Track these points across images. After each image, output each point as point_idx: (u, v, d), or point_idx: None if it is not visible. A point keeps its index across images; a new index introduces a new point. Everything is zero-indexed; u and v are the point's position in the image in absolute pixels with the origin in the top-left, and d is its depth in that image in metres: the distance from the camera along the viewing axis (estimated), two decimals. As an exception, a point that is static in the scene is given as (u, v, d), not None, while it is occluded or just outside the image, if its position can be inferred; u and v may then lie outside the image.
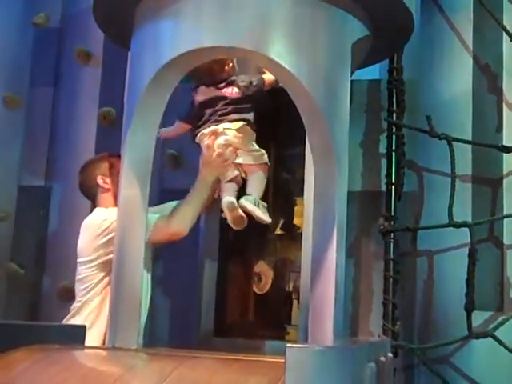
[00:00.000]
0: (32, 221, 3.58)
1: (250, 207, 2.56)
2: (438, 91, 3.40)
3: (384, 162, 3.28)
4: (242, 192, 2.72)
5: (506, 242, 3.21)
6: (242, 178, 2.75)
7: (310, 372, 1.27)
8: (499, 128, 3.32)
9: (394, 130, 3.22)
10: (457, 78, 3.39)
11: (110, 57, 3.79)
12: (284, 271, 3.01)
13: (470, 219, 3.06)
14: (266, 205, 2.63)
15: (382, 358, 1.79)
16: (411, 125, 3.21)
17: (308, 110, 2.30)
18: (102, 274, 2.76)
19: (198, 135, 2.79)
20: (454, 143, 3.01)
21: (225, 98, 2.77)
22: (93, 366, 1.92)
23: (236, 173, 2.73)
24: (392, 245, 3.13)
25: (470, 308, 2.82)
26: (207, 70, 2.79)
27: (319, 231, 2.29)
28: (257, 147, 2.77)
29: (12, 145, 3.96)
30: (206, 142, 2.74)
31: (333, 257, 2.23)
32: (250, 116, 2.78)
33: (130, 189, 2.40)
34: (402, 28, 2.72)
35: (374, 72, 3.56)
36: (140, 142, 2.43)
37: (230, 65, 2.89)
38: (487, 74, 3.39)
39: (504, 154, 3.19)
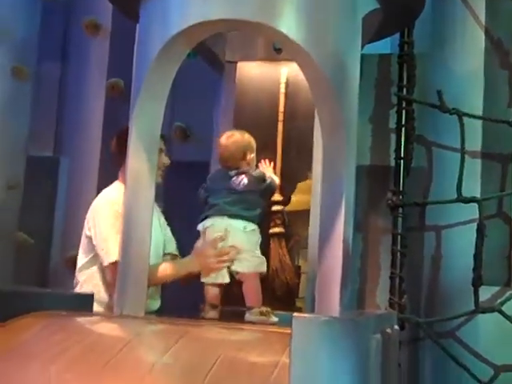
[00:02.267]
0: (40, 191, 3.60)
1: (257, 320, 2.53)
2: (449, 66, 3.37)
3: (393, 136, 3.27)
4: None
5: (514, 217, 3.21)
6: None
7: (315, 342, 1.28)
8: (510, 103, 3.30)
9: (403, 104, 3.20)
10: (468, 53, 3.36)
11: (119, 28, 3.77)
12: (294, 247, 3.01)
13: (478, 195, 3.05)
14: (269, 309, 2.59)
15: (388, 330, 1.80)
16: (421, 99, 3.19)
17: (317, 84, 2.28)
18: None
19: (202, 223, 2.67)
20: (465, 118, 2.99)
21: (232, 189, 2.67)
22: (100, 333, 1.94)
23: (226, 281, 2.61)
24: (400, 219, 3.13)
25: (477, 283, 2.83)
26: (229, 156, 2.73)
27: (327, 205, 2.28)
28: (259, 254, 2.66)
29: (21, 115, 3.95)
30: (209, 235, 2.63)
31: (340, 230, 2.23)
32: (256, 213, 2.67)
33: (137, 161, 2.40)
34: (414, 1, 2.68)
35: (385, 46, 3.53)
36: (148, 113, 2.43)
37: (251, 156, 2.78)
38: (499, 50, 3.36)
39: (514, 130, 3.18)
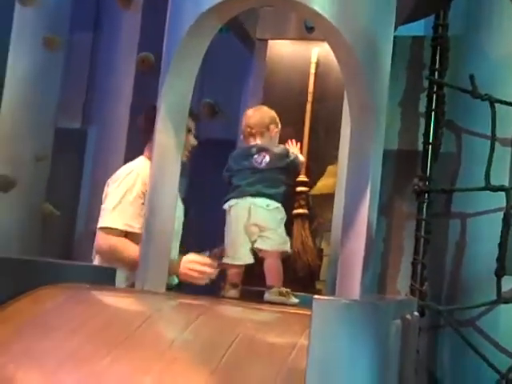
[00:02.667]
0: (68, 163, 3.63)
1: (277, 300, 2.51)
2: (483, 50, 3.31)
3: (422, 121, 3.23)
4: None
5: (542, 207, 3.15)
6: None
7: (335, 325, 1.27)
8: (544, 91, 3.23)
9: (435, 88, 3.16)
10: (505, 37, 3.30)
11: (150, 2, 3.76)
12: (317, 229, 3.00)
13: (507, 183, 3.02)
14: (289, 290, 2.57)
15: (408, 316, 1.79)
16: (453, 84, 3.14)
17: (348, 64, 2.26)
18: None
19: (228, 203, 2.65)
20: (497, 105, 2.94)
21: (254, 167, 2.65)
22: (120, 307, 1.96)
23: (249, 261, 2.59)
24: (425, 205, 3.11)
25: (500, 272, 2.80)
26: (254, 123, 2.72)
27: (352, 188, 2.27)
28: (284, 233, 2.64)
29: (50, 86, 3.97)
30: (233, 214, 2.62)
31: (365, 214, 2.21)
32: (280, 191, 2.65)
33: (165, 135, 2.40)
34: (450, -17, 2.64)
35: (419, 28, 3.48)
36: (177, 89, 2.42)
37: (276, 130, 2.77)
38: (537, 34, 3.29)
39: (547, 118, 3.12)
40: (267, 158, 2.66)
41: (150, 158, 2.92)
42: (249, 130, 2.74)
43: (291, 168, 2.77)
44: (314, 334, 1.26)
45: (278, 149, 2.72)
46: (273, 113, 2.80)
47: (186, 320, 1.71)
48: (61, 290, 1.91)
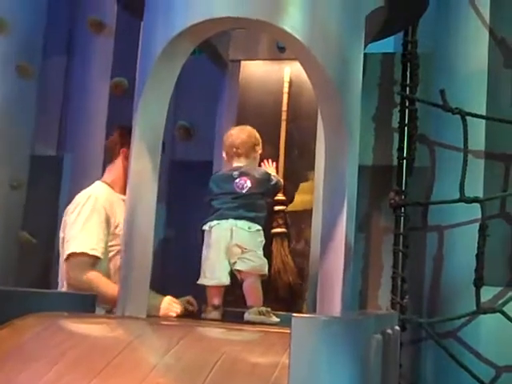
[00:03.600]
0: (44, 190, 3.60)
1: (257, 319, 2.52)
2: (452, 65, 3.37)
3: (396, 136, 3.27)
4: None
5: (517, 218, 3.20)
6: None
7: (315, 342, 1.27)
8: (514, 103, 3.29)
9: (407, 103, 3.20)
10: (472, 52, 3.35)
11: (123, 26, 3.78)
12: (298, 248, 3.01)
13: (481, 195, 3.05)
14: (269, 309, 2.58)
15: (389, 331, 1.80)
16: (425, 99, 3.19)
17: (320, 83, 2.29)
18: None
19: (209, 224, 2.64)
20: (468, 118, 2.98)
21: (236, 192, 2.64)
22: (101, 334, 1.95)
23: (226, 283, 2.57)
24: (402, 219, 3.13)
25: (479, 283, 2.83)
26: (240, 143, 2.72)
27: (329, 204, 2.28)
28: (262, 255, 2.62)
29: (25, 114, 3.96)
30: (214, 234, 2.61)
31: (342, 230, 2.23)
32: (261, 215, 2.65)
33: (140, 159, 2.40)
34: (418, 0, 2.68)
35: (389, 45, 3.53)
36: (151, 112, 2.43)
37: (259, 151, 2.77)
38: (503, 49, 3.36)
39: (518, 130, 3.17)
40: (248, 183, 2.66)
41: (107, 183, 2.94)
42: (234, 150, 2.74)
43: (272, 192, 2.78)
44: (294, 352, 1.27)
45: (260, 173, 2.72)
46: (257, 133, 2.81)
47: (167, 344, 1.71)
48: (39, 319, 1.90)
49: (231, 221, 2.59)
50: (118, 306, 2.30)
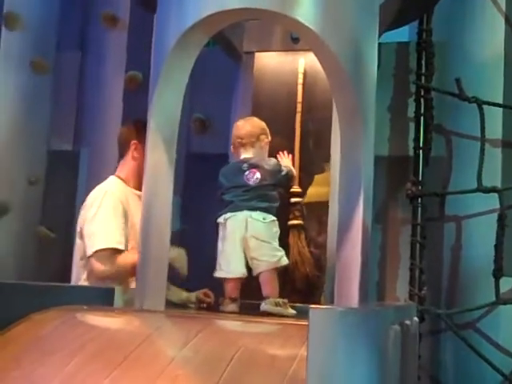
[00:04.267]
0: (61, 185, 3.63)
1: (273, 310, 2.51)
2: (468, 53, 3.33)
3: (412, 126, 3.25)
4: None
5: (536, 207, 3.16)
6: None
7: (333, 334, 1.27)
8: (531, 91, 3.25)
9: (422, 93, 3.18)
10: (488, 40, 3.31)
11: (137, 20, 3.77)
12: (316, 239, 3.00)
13: (499, 184, 3.02)
14: (286, 300, 2.58)
15: (407, 322, 1.79)
16: (440, 88, 3.16)
17: (334, 73, 2.27)
18: None
19: (223, 216, 2.62)
20: (485, 107, 2.96)
21: (246, 185, 2.62)
22: (119, 327, 1.96)
23: (244, 275, 2.57)
24: (419, 210, 3.11)
25: (498, 274, 2.81)
26: (245, 134, 2.71)
27: (345, 196, 2.27)
28: (277, 246, 2.61)
29: (41, 109, 3.97)
30: (230, 226, 2.59)
31: (359, 221, 2.22)
32: (274, 206, 2.63)
33: (156, 152, 2.40)
34: (433, -12, 2.66)
35: (404, 34, 3.50)
36: (166, 105, 2.43)
37: (266, 140, 2.75)
38: (520, 36, 3.31)
39: (536, 118, 3.14)
40: (258, 175, 2.65)
41: (121, 178, 2.95)
42: (239, 140, 2.73)
43: (283, 183, 2.77)
44: (311, 343, 1.26)
45: (270, 164, 2.70)
46: (263, 123, 2.80)
47: (185, 337, 1.71)
48: (58, 313, 1.91)
49: (246, 212, 2.59)
50: (136, 299, 2.31)
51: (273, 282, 2.57)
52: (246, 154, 2.72)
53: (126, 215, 2.81)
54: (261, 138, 2.75)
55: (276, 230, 2.64)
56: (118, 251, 2.74)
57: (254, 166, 2.66)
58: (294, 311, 2.53)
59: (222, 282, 2.62)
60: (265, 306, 2.51)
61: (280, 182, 2.72)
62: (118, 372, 1.56)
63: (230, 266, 2.57)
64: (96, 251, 2.73)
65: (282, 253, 2.62)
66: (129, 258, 2.68)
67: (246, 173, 2.65)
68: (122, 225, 2.77)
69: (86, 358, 1.62)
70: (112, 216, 2.77)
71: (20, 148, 3.84)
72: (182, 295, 2.85)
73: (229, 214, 2.61)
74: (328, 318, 1.27)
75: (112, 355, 1.63)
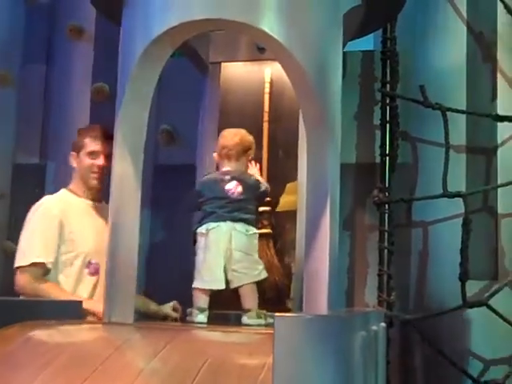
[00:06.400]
0: (28, 198, 3.58)
1: (255, 322, 2.52)
2: (432, 61, 3.38)
3: (378, 133, 3.28)
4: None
5: (500, 211, 3.21)
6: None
7: (298, 341, 1.28)
8: (493, 97, 3.30)
9: (387, 100, 3.21)
10: (451, 48, 3.37)
11: (103, 32, 3.76)
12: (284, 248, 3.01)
13: (464, 189, 3.06)
14: (265, 312, 2.59)
15: (375, 327, 1.81)
16: (405, 95, 3.20)
17: (300, 82, 2.29)
18: None
19: (205, 226, 2.62)
20: (448, 113, 3.00)
21: (227, 197, 2.64)
22: (87, 340, 1.94)
23: (222, 287, 2.58)
24: (387, 216, 3.14)
25: (464, 278, 2.84)
26: (234, 145, 2.73)
27: (313, 204, 2.29)
28: (259, 259, 2.65)
29: (6, 123, 3.94)
30: (213, 236, 2.60)
31: (326, 229, 2.23)
32: (254, 218, 2.67)
33: (123, 164, 2.39)
34: (395, -3, 2.70)
35: (369, 43, 3.54)
36: (133, 116, 2.43)
37: (250, 156, 2.80)
38: (481, 43, 3.37)
39: (498, 123, 3.18)
40: (240, 189, 2.67)
41: (70, 189, 2.99)
42: (226, 150, 2.73)
43: (260, 199, 2.79)
44: (277, 352, 1.27)
45: (251, 179, 2.73)
46: (252, 138, 2.81)
47: (154, 349, 1.70)
48: (24, 328, 1.88)
49: (229, 223, 2.59)
50: (105, 312, 2.30)
51: (254, 295, 2.58)
52: (229, 166, 2.73)
53: (61, 226, 2.80)
54: (248, 152, 2.76)
55: (256, 242, 2.65)
56: (39, 265, 2.74)
57: (236, 179, 2.68)
58: (272, 320, 2.53)
59: (190, 291, 2.61)
60: (247, 319, 2.52)
61: (258, 197, 2.74)
62: (86, 386, 1.54)
63: (213, 276, 2.56)
64: (16, 267, 2.76)
65: (262, 266, 2.63)
66: (54, 291, 2.70)
67: (228, 185, 2.66)
68: (50, 239, 2.77)
69: (53, 372, 1.60)
70: (39, 231, 2.78)
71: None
72: (151, 306, 2.85)
73: (212, 225, 2.61)
74: (293, 326, 1.28)
75: (80, 369, 1.61)
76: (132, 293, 2.32)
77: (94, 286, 2.84)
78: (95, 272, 2.84)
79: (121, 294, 2.29)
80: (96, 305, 2.60)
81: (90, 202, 2.97)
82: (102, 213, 2.92)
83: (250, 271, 2.58)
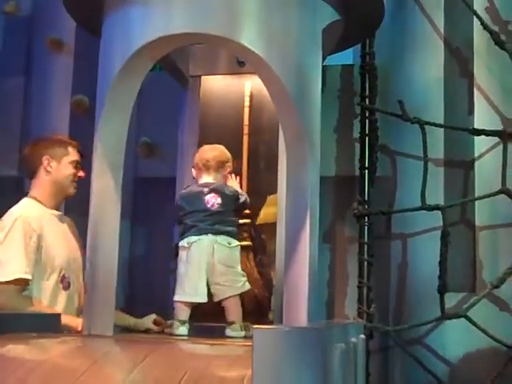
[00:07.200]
0: (6, 211, 3.56)
1: (239, 335, 2.52)
2: (410, 76, 3.42)
3: (357, 146, 3.31)
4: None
5: (477, 223, 3.25)
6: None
7: (277, 353, 1.28)
8: (470, 111, 3.35)
9: (366, 114, 3.25)
10: (428, 63, 3.41)
11: (82, 45, 3.76)
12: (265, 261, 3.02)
13: (442, 202, 3.10)
14: (248, 324, 2.57)
15: (354, 339, 1.82)
16: (384, 109, 3.24)
17: (279, 96, 2.31)
18: None
19: (187, 239, 2.60)
20: (427, 127, 3.04)
21: (207, 209, 2.64)
22: (67, 353, 1.93)
23: (204, 300, 2.55)
24: (366, 229, 3.16)
25: (442, 290, 2.86)
26: (212, 158, 2.73)
27: (292, 216, 2.30)
28: (241, 272, 2.63)
29: (-16, 135, 3.91)
30: (195, 250, 2.58)
31: (306, 241, 2.25)
32: (235, 230, 2.66)
33: (103, 177, 2.39)
34: (374, 13, 2.73)
35: (348, 57, 3.58)
36: (113, 129, 2.43)
37: (228, 169, 2.79)
38: (458, 58, 3.42)
39: (475, 137, 3.23)
40: (219, 200, 2.66)
41: (36, 199, 2.90)
42: (204, 162, 2.74)
43: (242, 209, 2.79)
44: (256, 364, 1.27)
45: (230, 191, 2.72)
46: (229, 153, 2.82)
47: (133, 361, 1.70)
48: (5, 340, 1.87)
49: (211, 236, 2.59)
50: (84, 324, 2.29)
51: (238, 308, 2.57)
52: (207, 179, 2.73)
53: (39, 240, 2.74)
54: (226, 165, 2.77)
55: (238, 254, 2.65)
56: (21, 281, 2.68)
57: (214, 190, 2.68)
58: None
59: (171, 303, 2.60)
60: (231, 331, 2.52)
61: (238, 208, 2.74)
62: (65, 399, 1.53)
63: (196, 290, 2.56)
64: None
65: (245, 278, 2.63)
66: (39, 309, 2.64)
67: (207, 197, 2.66)
68: (30, 254, 2.70)
69: (31, 386, 1.59)
70: (18, 246, 2.70)
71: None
72: (130, 321, 2.83)
73: (193, 238, 2.60)
74: (272, 338, 1.28)
75: (59, 381, 1.60)
76: (112, 305, 2.31)
77: (68, 300, 2.81)
78: (68, 286, 2.81)
79: (100, 306, 2.28)
80: (73, 320, 2.58)
81: (55, 212, 2.90)
82: (65, 223, 2.92)
83: (234, 283, 2.58)
